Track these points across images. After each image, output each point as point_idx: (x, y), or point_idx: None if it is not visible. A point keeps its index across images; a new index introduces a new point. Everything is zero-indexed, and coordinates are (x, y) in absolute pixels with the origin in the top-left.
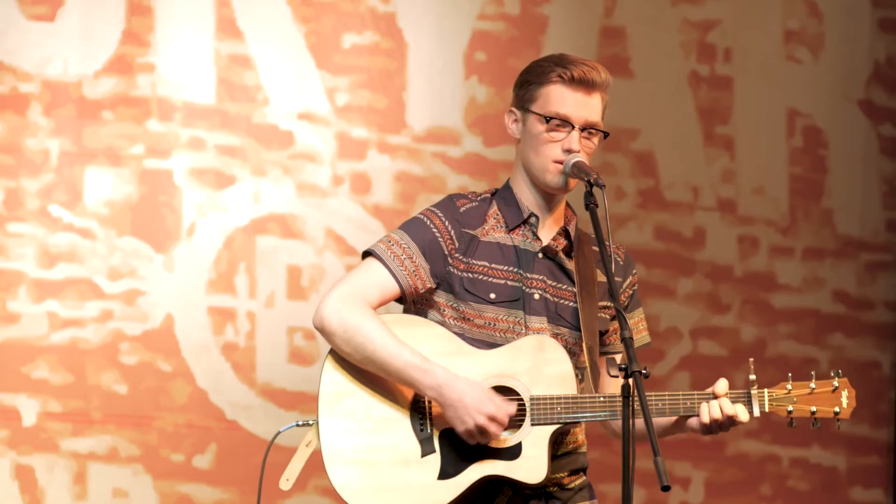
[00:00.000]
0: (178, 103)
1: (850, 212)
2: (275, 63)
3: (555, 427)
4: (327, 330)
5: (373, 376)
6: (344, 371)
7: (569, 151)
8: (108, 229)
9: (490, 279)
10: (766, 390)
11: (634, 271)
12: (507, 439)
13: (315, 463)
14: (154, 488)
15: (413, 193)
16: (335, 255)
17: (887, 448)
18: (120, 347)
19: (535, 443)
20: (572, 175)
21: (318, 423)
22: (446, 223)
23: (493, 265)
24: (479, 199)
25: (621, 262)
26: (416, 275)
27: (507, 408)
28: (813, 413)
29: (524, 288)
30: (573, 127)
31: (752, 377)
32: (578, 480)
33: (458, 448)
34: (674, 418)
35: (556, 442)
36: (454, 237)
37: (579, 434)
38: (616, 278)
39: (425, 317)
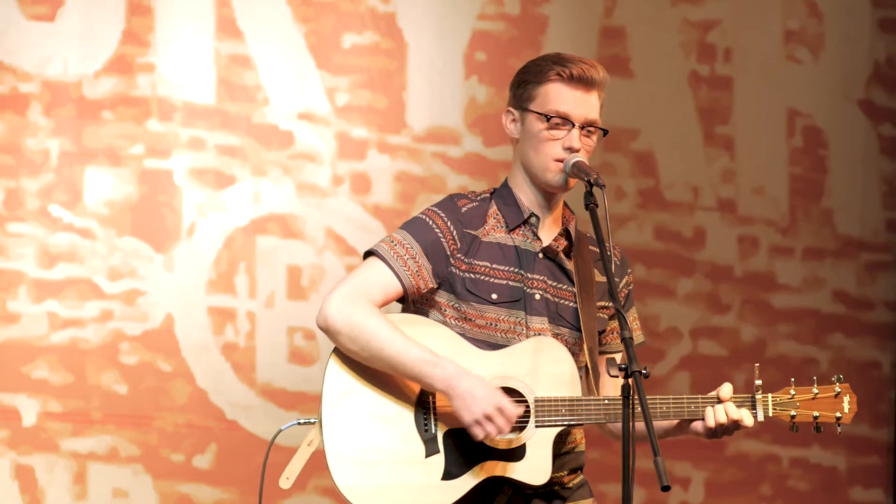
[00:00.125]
0: (178, 103)
1: (850, 212)
2: (275, 63)
3: (559, 429)
4: (332, 329)
5: (377, 376)
6: (348, 371)
7: (569, 149)
8: (108, 229)
9: (492, 279)
10: (769, 395)
11: (630, 270)
12: (512, 440)
13: (315, 463)
14: (154, 488)
15: (413, 193)
16: (335, 255)
17: (887, 448)
18: (120, 347)
19: (539, 444)
20: (572, 175)
21: (321, 422)
22: (448, 223)
23: (494, 265)
24: (478, 198)
25: (618, 262)
26: (418, 275)
27: (516, 409)
28: (815, 418)
29: (525, 288)
30: (573, 125)
31: (758, 382)
32: (577, 479)
33: (463, 449)
34: (676, 422)
35: (558, 442)
36: (456, 238)
37: (578, 433)
38: (614, 279)
39: (426, 317)
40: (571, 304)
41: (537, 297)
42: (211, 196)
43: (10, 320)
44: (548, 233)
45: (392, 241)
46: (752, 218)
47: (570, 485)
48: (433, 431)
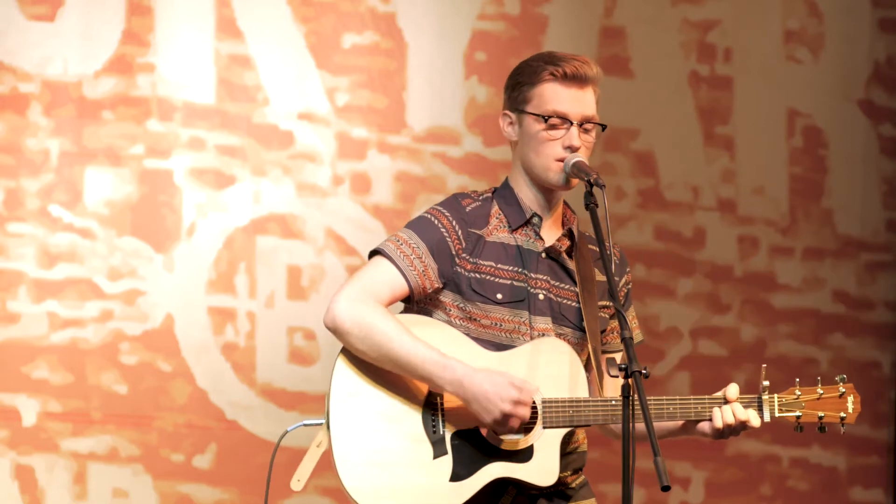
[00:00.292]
0: (178, 103)
1: (850, 212)
2: (275, 63)
3: (566, 430)
4: (341, 329)
5: (385, 376)
6: (356, 371)
7: (569, 148)
8: (108, 229)
9: (496, 279)
10: (775, 396)
11: (629, 270)
12: (519, 442)
13: (317, 463)
14: (154, 488)
15: (413, 193)
16: (335, 255)
17: (887, 448)
18: (120, 347)
19: (546, 445)
20: (573, 175)
21: (328, 423)
22: (454, 223)
23: (499, 265)
24: (481, 198)
25: (617, 261)
26: (424, 274)
27: (530, 389)
28: (820, 419)
29: (529, 288)
30: (571, 123)
31: (765, 383)
32: (580, 479)
33: (470, 450)
34: (682, 422)
35: (564, 442)
36: (461, 237)
37: (581, 433)
38: (614, 278)
39: (430, 317)
40: (574, 303)
41: (541, 297)
42: (211, 196)
43: (10, 320)
44: (549, 232)
45: (398, 241)
46: (752, 218)
47: (574, 485)
48: (441, 433)
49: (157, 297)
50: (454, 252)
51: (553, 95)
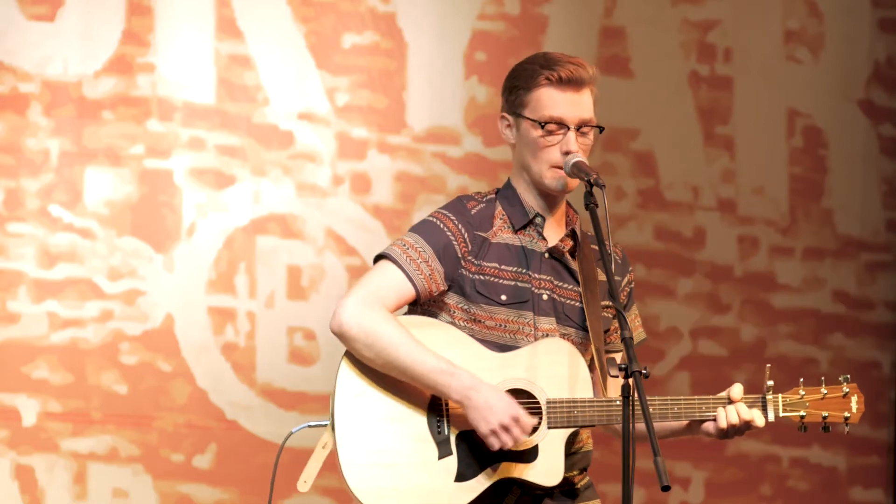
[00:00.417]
0: (178, 103)
1: (850, 212)
2: (275, 63)
3: (571, 430)
4: (347, 335)
5: (389, 378)
6: (360, 373)
7: (567, 153)
8: (108, 229)
9: (500, 281)
10: (779, 396)
11: (631, 269)
12: (525, 442)
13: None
14: (154, 488)
15: (413, 193)
16: (335, 255)
17: (887, 448)
18: (120, 347)
19: (551, 445)
20: (572, 175)
21: (333, 424)
22: (459, 226)
23: (502, 267)
24: (485, 199)
25: (619, 261)
26: (431, 278)
27: (531, 419)
28: (825, 418)
29: (533, 289)
30: (568, 128)
31: (770, 382)
32: (585, 480)
33: (475, 450)
34: (686, 422)
35: (569, 442)
36: (467, 240)
37: (585, 432)
38: (616, 277)
39: (435, 318)
40: (577, 304)
41: (545, 297)
42: (211, 196)
43: (10, 320)
44: (552, 233)
45: (404, 245)
46: (752, 218)
47: (579, 485)
48: (446, 433)
49: (157, 297)
50: (460, 255)
51: (549, 100)
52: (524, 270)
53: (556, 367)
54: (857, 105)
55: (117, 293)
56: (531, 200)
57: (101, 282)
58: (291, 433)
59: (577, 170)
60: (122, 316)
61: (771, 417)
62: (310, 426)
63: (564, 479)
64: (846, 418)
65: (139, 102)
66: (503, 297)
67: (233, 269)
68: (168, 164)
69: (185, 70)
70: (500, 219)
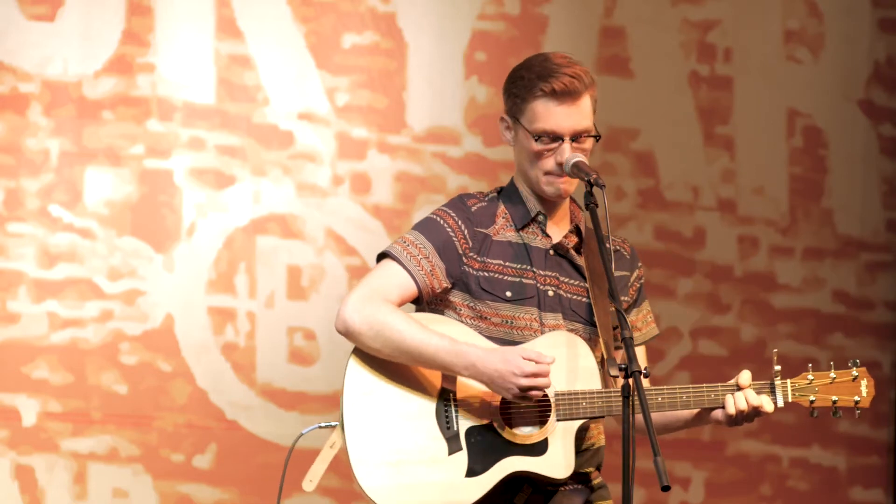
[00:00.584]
0: (178, 103)
1: (850, 212)
2: (275, 63)
3: (580, 422)
4: (353, 330)
5: (397, 375)
6: (368, 371)
7: (561, 164)
8: (108, 229)
9: (505, 277)
10: (788, 380)
11: (640, 265)
12: (533, 435)
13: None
14: (154, 488)
15: (413, 193)
16: (335, 255)
17: (887, 448)
18: (120, 347)
19: (560, 438)
20: (573, 175)
21: (342, 424)
22: (459, 223)
23: (507, 263)
24: (487, 198)
25: (627, 257)
26: (432, 275)
27: (546, 359)
28: (834, 402)
29: (538, 285)
30: (563, 139)
31: (777, 368)
32: (599, 479)
33: (485, 445)
34: (696, 410)
35: (579, 437)
36: (468, 236)
37: (595, 429)
38: (623, 272)
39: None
40: (584, 299)
41: (550, 293)
42: (211, 196)
43: (10, 320)
44: (556, 229)
45: (405, 242)
46: (752, 218)
47: (595, 482)
48: (455, 429)
49: (157, 297)
50: (461, 251)
51: (544, 113)
52: (528, 267)
53: (564, 359)
54: (857, 105)
55: (117, 293)
56: (534, 199)
57: (101, 282)
58: (302, 434)
59: (577, 170)
60: (122, 316)
61: (780, 402)
62: (321, 427)
63: (582, 475)
64: (857, 402)
65: (139, 102)
66: (508, 294)
67: (233, 269)
68: (168, 164)
69: (185, 70)
70: (503, 217)
